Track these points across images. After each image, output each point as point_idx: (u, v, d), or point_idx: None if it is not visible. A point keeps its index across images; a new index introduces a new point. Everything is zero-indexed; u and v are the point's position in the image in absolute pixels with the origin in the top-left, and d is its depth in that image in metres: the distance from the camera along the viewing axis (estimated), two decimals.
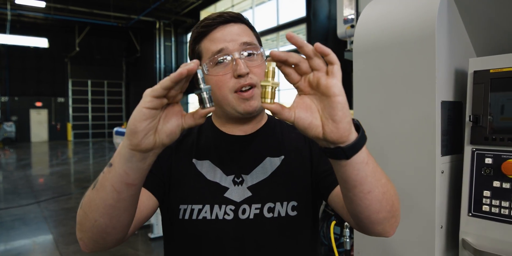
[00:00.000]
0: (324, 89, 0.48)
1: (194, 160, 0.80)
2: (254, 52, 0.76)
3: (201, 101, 0.52)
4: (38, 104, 17.68)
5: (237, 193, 0.77)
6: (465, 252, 1.02)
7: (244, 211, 0.76)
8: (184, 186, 0.78)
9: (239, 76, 0.73)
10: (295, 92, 0.55)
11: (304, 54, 0.49)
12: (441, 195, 1.06)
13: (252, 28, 0.82)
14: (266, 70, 0.50)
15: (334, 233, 1.75)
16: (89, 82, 19.00)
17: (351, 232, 1.59)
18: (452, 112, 1.10)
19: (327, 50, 0.47)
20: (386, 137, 1.18)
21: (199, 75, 0.52)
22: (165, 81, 0.48)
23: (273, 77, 0.50)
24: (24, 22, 16.27)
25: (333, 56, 0.47)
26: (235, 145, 0.81)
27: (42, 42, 16.35)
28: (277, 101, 0.51)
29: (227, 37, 0.75)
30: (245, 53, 0.75)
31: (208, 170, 0.79)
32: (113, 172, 0.54)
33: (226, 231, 0.75)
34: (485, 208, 0.99)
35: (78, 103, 18.81)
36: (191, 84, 0.54)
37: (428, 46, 1.06)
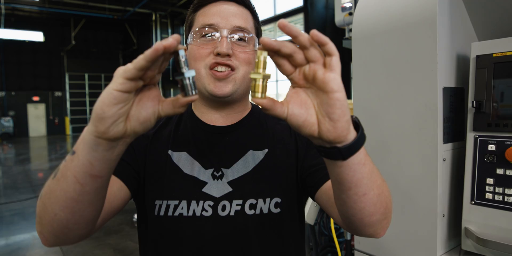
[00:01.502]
0: (321, 84, 0.42)
1: (170, 152, 0.75)
2: (246, 36, 0.73)
3: (183, 88, 0.45)
4: (35, 98, 17.58)
5: (216, 188, 0.73)
6: (468, 241, 1.00)
7: (224, 208, 0.72)
8: (159, 180, 0.73)
9: (218, 54, 0.70)
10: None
11: (299, 45, 0.43)
12: (443, 183, 1.04)
13: (255, 16, 0.78)
14: (257, 60, 0.44)
15: (334, 224, 1.74)
16: (86, 76, 18.86)
17: None
18: (454, 98, 1.07)
19: (325, 39, 0.41)
20: (386, 125, 1.15)
21: (181, 57, 0.44)
22: (139, 60, 0.41)
23: (264, 68, 0.44)
24: (19, 16, 16.06)
25: (331, 46, 0.42)
26: (215, 136, 0.77)
27: (37, 36, 16.18)
28: (268, 95, 0.45)
29: (222, 14, 0.72)
30: (236, 36, 0.72)
31: (185, 163, 0.74)
32: (75, 161, 0.47)
33: (204, 228, 0.71)
34: (488, 195, 0.97)
35: (75, 97, 18.70)
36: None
37: (430, 30, 1.02)
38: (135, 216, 3.68)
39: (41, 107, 17.81)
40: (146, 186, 0.73)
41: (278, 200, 0.73)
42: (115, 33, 19.21)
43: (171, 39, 0.41)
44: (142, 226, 0.78)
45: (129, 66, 0.41)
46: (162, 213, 0.72)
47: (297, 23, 9.25)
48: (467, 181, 1.02)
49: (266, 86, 0.45)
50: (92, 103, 19.04)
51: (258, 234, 0.73)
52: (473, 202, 1.00)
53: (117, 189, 0.67)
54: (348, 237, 1.61)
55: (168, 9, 15.30)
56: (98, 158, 0.46)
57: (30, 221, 4.44)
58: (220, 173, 0.74)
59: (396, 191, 1.12)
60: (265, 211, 0.72)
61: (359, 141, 0.47)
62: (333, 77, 0.42)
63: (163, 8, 15.36)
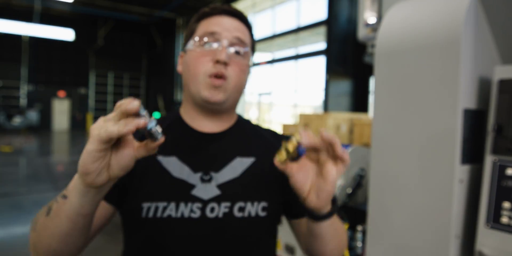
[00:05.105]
0: (326, 173, 0.59)
1: (159, 158, 0.75)
2: (242, 49, 0.76)
3: (151, 136, 0.52)
4: (61, 94, 18.16)
5: (204, 191, 0.73)
6: None
7: (212, 210, 0.72)
8: (147, 184, 0.73)
9: (217, 61, 0.72)
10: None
11: (334, 149, 0.58)
12: (458, 205, 1.04)
13: (252, 35, 0.82)
14: (280, 155, 0.65)
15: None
16: (110, 75, 19.40)
17: (363, 236, 1.58)
18: (474, 121, 1.08)
19: (346, 156, 0.59)
20: (404, 143, 1.16)
21: (142, 112, 0.49)
22: (94, 141, 0.49)
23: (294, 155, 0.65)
24: (52, 15, 16.74)
25: (347, 157, 0.59)
26: (204, 142, 0.78)
27: (68, 34, 16.79)
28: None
29: (224, 25, 0.76)
30: (232, 50, 0.75)
31: (175, 167, 0.74)
32: (68, 205, 0.56)
33: (192, 230, 0.72)
34: (504, 220, 0.96)
35: (99, 94, 19.23)
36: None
37: (453, 51, 1.04)
38: None
39: (66, 103, 18.37)
40: (131, 192, 0.73)
41: (265, 204, 0.75)
42: (140, 35, 19.72)
43: (134, 123, 0.49)
44: (127, 231, 0.78)
45: (98, 134, 0.49)
46: (150, 215, 0.71)
47: (319, 34, 9.27)
48: (483, 204, 1.01)
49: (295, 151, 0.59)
50: (113, 102, 19.52)
51: (244, 236, 0.74)
52: (488, 226, 1.00)
53: (101, 208, 0.70)
54: (360, 251, 1.61)
55: (193, 14, 15.59)
56: (88, 202, 0.55)
57: None
58: (208, 176, 0.74)
59: (410, 209, 1.12)
60: (253, 214, 0.74)
61: (331, 214, 0.65)
62: (336, 173, 0.59)
63: (188, 13, 15.68)
